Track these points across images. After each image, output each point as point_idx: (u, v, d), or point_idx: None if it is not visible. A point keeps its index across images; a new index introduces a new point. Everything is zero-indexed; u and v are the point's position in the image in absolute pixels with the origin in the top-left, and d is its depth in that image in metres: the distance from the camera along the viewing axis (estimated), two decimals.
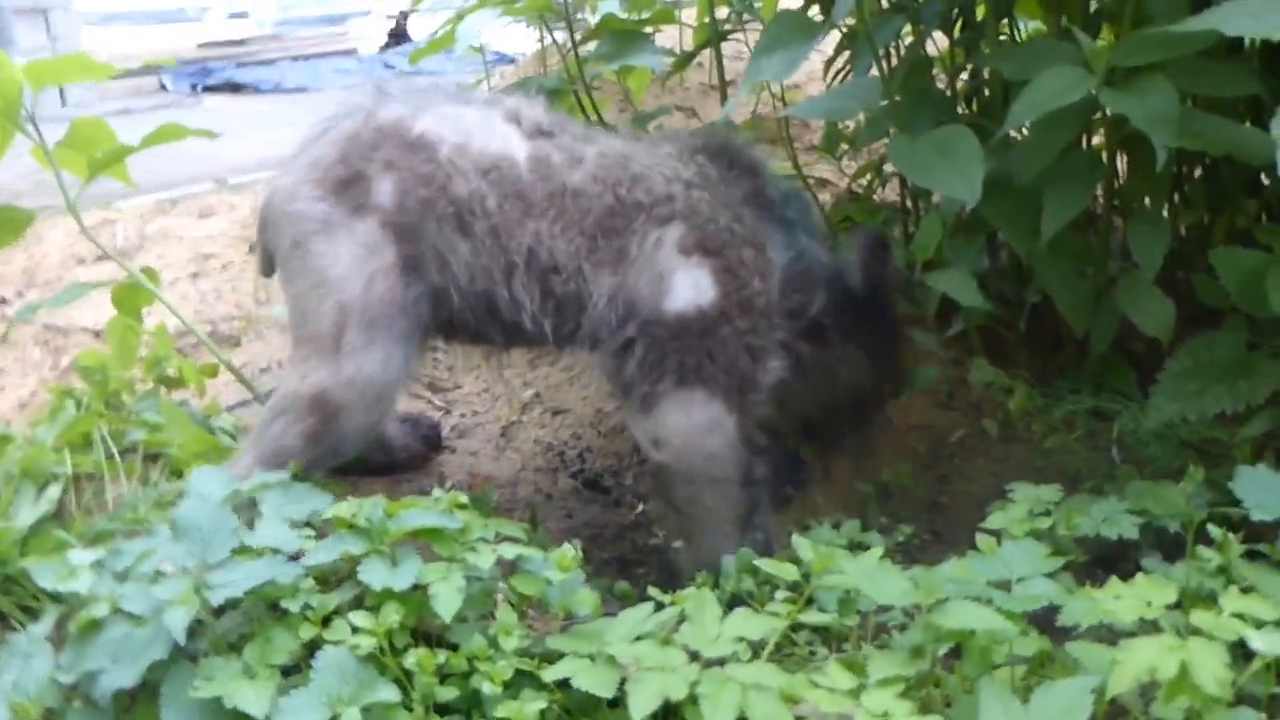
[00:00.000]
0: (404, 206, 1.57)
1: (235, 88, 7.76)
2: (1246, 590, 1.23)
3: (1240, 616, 1.11)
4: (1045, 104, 1.58)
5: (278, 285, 2.63)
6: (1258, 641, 1.08)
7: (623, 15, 2.07)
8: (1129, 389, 1.87)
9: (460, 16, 1.98)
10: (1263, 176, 1.88)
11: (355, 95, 1.74)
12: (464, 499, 1.29)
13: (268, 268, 1.71)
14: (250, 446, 1.62)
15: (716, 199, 1.65)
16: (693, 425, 1.60)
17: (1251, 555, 1.42)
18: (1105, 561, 1.55)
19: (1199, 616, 1.10)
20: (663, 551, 1.79)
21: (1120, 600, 1.12)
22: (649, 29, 2.13)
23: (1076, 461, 1.84)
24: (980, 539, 1.35)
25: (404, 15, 9.14)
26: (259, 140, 5.75)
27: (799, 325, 1.70)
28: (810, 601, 1.22)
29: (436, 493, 1.29)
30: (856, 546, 1.58)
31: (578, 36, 2.13)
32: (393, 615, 1.14)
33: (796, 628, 1.31)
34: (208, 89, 7.72)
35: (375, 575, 1.17)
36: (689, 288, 1.60)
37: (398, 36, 9.58)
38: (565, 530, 1.86)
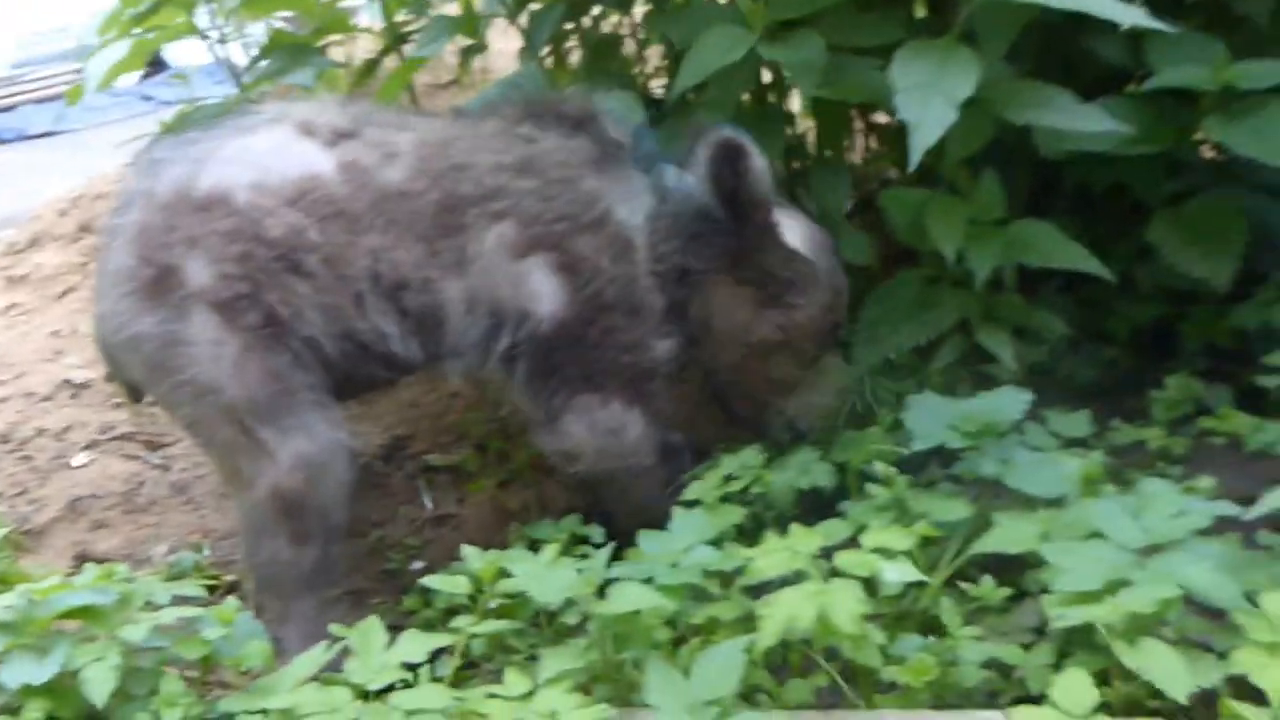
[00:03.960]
0: (225, 276, 1.39)
1: None
2: (909, 522, 1.29)
3: (883, 550, 1.16)
4: (710, 64, 1.62)
5: None
6: (889, 573, 1.13)
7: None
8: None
9: (93, 52, 1.85)
10: None
11: (130, 179, 1.54)
12: (119, 569, 1.21)
13: (135, 396, 1.56)
14: (261, 589, 1.48)
15: (549, 179, 1.52)
16: (599, 433, 1.54)
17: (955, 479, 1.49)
18: (820, 509, 1.60)
19: (840, 557, 1.15)
20: (399, 576, 1.75)
21: (769, 555, 1.16)
22: (322, 40, 2.07)
23: None
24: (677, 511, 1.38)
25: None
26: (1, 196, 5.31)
27: (674, 279, 1.58)
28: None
29: (88, 567, 1.21)
30: (581, 541, 1.59)
31: (255, 52, 2.04)
32: (35, 713, 1.07)
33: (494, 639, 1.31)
34: None
35: (13, 673, 1.09)
36: (542, 292, 1.50)
37: (156, 65, 9.03)
38: None
